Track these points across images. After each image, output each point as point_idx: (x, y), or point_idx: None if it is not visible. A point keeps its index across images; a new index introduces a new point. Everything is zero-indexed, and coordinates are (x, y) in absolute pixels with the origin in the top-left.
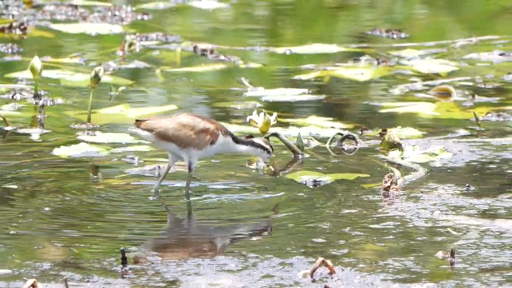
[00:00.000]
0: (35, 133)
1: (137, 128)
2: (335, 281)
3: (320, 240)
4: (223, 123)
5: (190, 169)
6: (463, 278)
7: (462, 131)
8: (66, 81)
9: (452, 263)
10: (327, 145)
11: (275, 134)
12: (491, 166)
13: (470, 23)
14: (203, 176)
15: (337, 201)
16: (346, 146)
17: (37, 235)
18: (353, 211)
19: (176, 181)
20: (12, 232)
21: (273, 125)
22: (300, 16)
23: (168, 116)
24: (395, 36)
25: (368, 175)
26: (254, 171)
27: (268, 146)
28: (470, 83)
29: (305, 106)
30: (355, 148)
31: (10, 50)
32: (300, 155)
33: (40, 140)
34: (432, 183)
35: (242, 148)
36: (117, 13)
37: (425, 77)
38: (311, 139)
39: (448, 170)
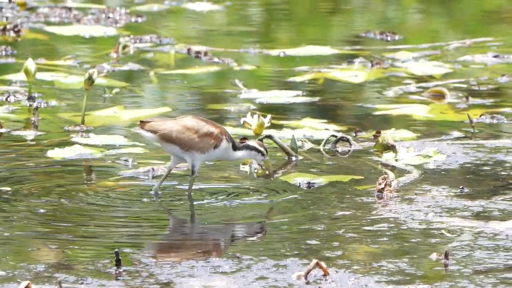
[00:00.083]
0: (29, 135)
1: (141, 129)
2: (329, 283)
3: (314, 242)
4: None
5: (193, 172)
6: (457, 280)
7: (456, 133)
8: (60, 83)
9: (446, 265)
10: (321, 147)
11: (269, 136)
12: (485, 168)
13: (464, 25)
14: (197, 178)
15: (331, 203)
16: (340, 148)
17: (31, 237)
18: (347, 213)
19: (171, 181)
20: (6, 234)
21: (267, 127)
22: (294, 19)
23: (173, 118)
24: (389, 38)
25: (362, 177)
26: (248, 173)
27: (262, 149)
28: (464, 85)
29: (299, 108)
30: (349, 150)
31: (4, 52)
32: (294, 157)
33: (34, 142)
34: (426, 185)
35: (239, 154)
36: (111, 15)
37: (419, 79)
38: (305, 141)
39: (442, 172)
